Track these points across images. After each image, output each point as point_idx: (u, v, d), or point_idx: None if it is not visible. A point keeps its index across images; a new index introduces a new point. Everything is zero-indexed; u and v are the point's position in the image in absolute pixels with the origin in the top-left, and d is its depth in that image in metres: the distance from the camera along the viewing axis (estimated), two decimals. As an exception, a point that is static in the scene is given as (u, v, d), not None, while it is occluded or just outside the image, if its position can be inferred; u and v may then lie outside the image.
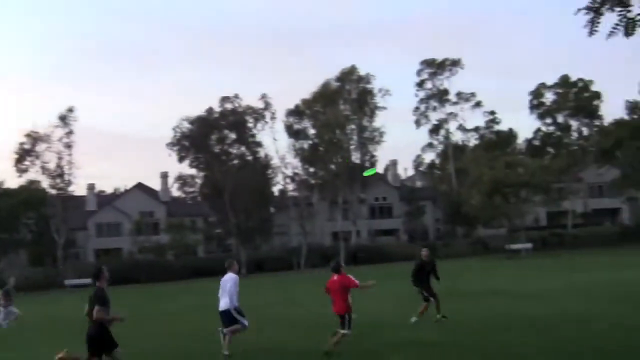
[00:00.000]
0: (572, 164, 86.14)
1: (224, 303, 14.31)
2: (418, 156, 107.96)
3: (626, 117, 74.42)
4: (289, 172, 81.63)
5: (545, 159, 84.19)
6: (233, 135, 79.53)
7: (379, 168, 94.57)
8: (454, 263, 53.11)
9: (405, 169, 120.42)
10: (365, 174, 20.86)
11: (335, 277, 14.04)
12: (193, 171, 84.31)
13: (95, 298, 10.58)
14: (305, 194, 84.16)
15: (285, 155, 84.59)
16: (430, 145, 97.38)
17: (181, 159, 79.01)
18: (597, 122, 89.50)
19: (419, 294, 18.49)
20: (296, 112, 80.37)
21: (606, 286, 25.48)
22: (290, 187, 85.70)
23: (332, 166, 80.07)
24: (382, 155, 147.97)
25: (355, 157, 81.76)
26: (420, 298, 18.43)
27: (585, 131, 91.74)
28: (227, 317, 14.23)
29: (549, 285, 27.84)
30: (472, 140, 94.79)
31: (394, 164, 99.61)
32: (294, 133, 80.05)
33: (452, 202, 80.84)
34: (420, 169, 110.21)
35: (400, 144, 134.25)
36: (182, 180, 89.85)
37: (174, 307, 30.93)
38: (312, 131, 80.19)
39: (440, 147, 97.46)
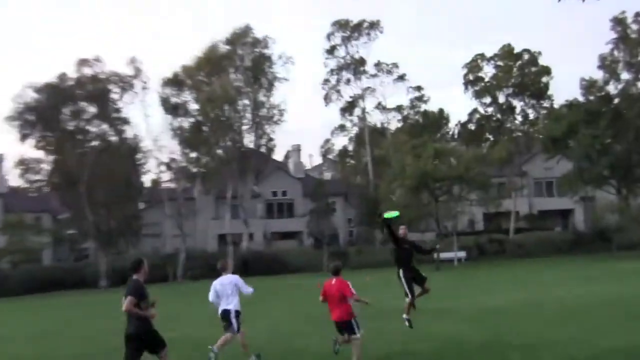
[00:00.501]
0: (515, 154, 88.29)
1: (232, 304, 16.35)
2: (327, 141, 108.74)
3: (581, 98, 76.55)
4: (164, 157, 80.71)
5: (482, 147, 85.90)
6: (92, 109, 77.81)
7: (279, 154, 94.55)
8: (370, 274, 53.32)
9: (311, 157, 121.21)
10: (387, 216, 20.01)
11: (334, 280, 14.79)
12: (39, 154, 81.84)
13: (127, 289, 11.64)
14: (184, 185, 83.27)
15: (160, 136, 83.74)
16: (342, 127, 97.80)
17: (24, 138, 76.62)
18: (545, 104, 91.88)
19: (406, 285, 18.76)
20: (174, 82, 79.27)
21: (552, 305, 25.91)
22: (166, 176, 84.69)
23: (220, 151, 79.45)
24: (282, 139, 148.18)
25: (249, 140, 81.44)
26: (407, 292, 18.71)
27: (531, 114, 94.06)
28: (231, 316, 16.31)
29: (484, 303, 28.16)
30: (394, 123, 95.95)
31: (296, 150, 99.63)
32: (171, 108, 78.99)
33: (369, 198, 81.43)
34: (330, 156, 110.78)
35: (305, 125, 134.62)
36: (24, 165, 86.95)
37: (3, 332, 29.80)
38: (194, 106, 79.43)
39: (354, 130, 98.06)
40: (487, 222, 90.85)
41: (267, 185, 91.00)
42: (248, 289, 16.50)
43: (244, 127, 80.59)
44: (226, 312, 16.28)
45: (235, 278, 16.50)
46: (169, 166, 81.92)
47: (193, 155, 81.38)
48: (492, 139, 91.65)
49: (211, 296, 16.47)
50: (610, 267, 50.94)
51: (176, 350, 19.05)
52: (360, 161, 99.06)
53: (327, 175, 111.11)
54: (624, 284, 33.73)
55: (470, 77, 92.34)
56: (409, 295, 18.62)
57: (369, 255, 77.12)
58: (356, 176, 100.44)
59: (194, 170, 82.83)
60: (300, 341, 19.27)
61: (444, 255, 71.26)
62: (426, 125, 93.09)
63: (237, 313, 16.29)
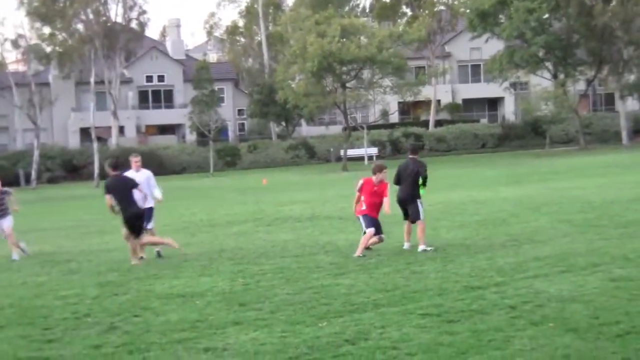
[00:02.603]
0: (437, 32, 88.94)
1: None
2: (212, 15, 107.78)
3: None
4: (9, 33, 79.13)
5: (399, 24, 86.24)
6: None
7: (154, 31, 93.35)
8: (265, 174, 53.86)
9: (193, 35, 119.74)
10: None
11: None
12: None
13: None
14: (37, 68, 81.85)
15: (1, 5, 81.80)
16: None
17: None
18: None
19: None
20: None
21: (475, 210, 26.74)
22: (13, 56, 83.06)
23: (80, 26, 78.13)
24: (158, 12, 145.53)
25: (116, 13, 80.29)
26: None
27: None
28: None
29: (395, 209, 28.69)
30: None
31: (175, 25, 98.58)
32: (17, -29, 77.11)
33: (263, 85, 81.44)
34: (216, 34, 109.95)
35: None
36: None
37: None
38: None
39: (245, 2, 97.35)
40: (403, 113, 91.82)
41: (139, 69, 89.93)
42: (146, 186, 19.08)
43: (110, -3, 79.41)
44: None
45: (145, 174, 19.45)
46: (15, 44, 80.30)
47: (46, 30, 79.80)
48: (410, 13, 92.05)
49: None
50: (543, 165, 52.47)
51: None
52: (252, 40, 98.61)
53: (213, 57, 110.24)
54: (555, 185, 34.86)
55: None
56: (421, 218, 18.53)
57: (263, 153, 77.60)
58: (248, 58, 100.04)
59: (48, 49, 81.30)
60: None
61: (352, 152, 72.16)
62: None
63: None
